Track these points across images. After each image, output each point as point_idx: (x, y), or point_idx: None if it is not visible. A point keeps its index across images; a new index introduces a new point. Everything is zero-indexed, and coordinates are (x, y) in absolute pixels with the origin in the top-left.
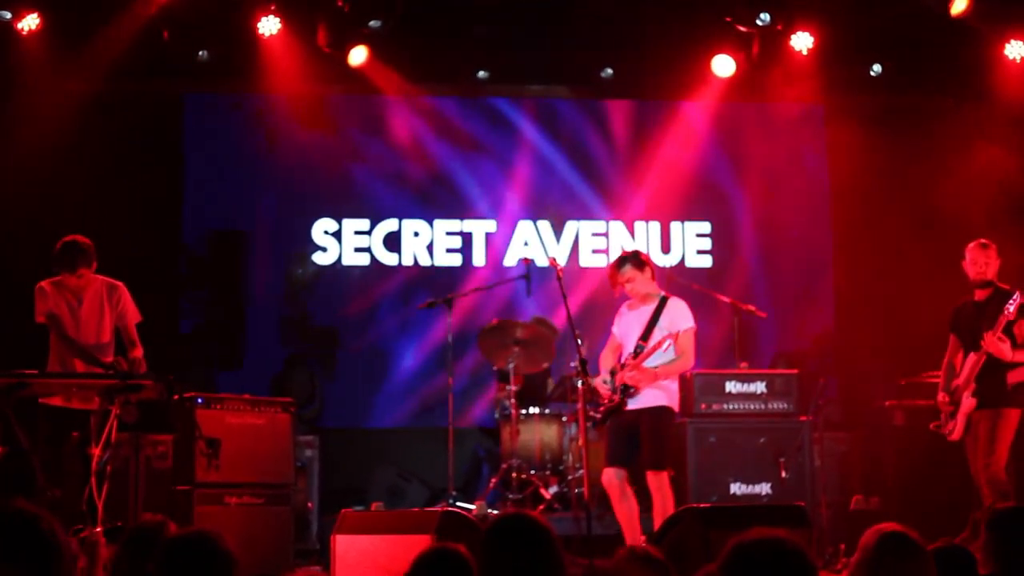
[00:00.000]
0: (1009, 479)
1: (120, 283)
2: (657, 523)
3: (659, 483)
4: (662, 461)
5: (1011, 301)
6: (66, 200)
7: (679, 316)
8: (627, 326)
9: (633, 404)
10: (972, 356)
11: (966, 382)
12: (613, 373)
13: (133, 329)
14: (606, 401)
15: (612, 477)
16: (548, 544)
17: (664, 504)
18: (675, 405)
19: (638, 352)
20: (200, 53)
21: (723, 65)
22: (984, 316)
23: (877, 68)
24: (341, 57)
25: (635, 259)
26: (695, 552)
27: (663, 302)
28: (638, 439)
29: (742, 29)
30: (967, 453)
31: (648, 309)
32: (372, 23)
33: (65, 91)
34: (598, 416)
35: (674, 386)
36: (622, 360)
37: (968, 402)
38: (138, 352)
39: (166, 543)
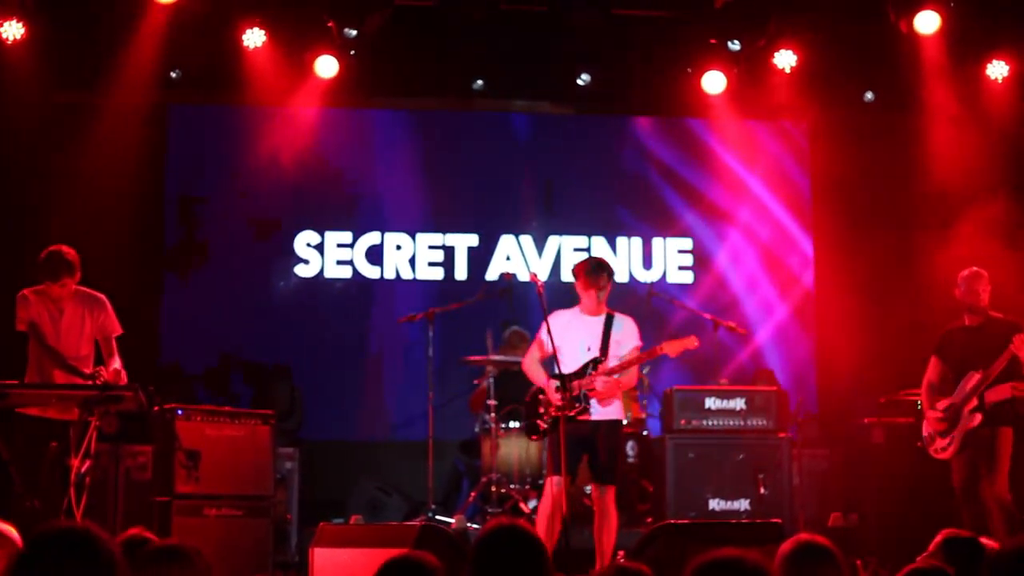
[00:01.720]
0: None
1: (102, 295)
2: (602, 540)
3: (607, 497)
4: (616, 476)
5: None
6: (47, 210)
7: (631, 333)
8: (571, 332)
9: (593, 415)
10: (974, 375)
11: (964, 400)
12: (564, 379)
13: (113, 342)
14: (554, 408)
15: (556, 486)
16: (539, 556)
17: (608, 520)
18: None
19: (598, 363)
20: (184, 64)
21: (713, 82)
22: (981, 340)
23: (870, 96)
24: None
25: (612, 273)
26: (673, 568)
27: (610, 318)
28: (591, 450)
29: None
30: (953, 470)
31: (596, 321)
32: (349, 32)
33: (48, 100)
34: (545, 425)
35: (618, 400)
36: (575, 368)
37: (970, 419)
38: (116, 365)
39: (142, 555)
